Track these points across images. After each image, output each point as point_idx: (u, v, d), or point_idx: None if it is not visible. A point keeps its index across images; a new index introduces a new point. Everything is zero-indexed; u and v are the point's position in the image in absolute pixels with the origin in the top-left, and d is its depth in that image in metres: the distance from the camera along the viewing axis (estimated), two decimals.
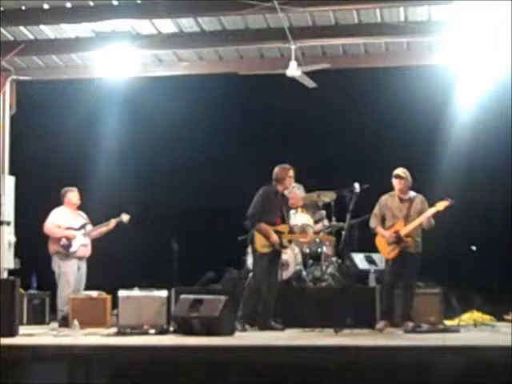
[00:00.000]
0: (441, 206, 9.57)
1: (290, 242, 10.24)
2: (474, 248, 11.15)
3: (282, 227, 9.93)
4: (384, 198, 9.94)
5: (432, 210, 9.62)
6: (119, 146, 12.97)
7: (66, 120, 12.62)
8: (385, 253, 9.90)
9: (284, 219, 9.99)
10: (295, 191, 11.11)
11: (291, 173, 10.03)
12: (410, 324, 9.44)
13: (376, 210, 9.95)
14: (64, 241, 10.81)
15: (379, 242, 9.89)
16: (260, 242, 9.84)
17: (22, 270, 11.45)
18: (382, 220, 9.90)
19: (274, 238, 9.79)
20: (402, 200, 9.86)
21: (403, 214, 9.77)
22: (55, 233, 10.85)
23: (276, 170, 10.07)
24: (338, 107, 12.26)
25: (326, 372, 7.12)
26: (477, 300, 10.62)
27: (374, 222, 9.92)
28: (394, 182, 9.85)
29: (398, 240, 9.66)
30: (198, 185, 12.39)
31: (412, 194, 9.89)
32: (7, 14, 10.15)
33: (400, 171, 9.86)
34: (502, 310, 10.38)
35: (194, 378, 7.23)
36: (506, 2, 9.41)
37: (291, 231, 10.04)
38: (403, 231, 9.66)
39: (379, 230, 9.84)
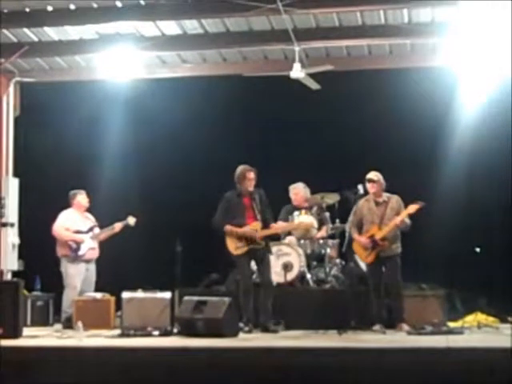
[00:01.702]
0: (412, 208, 9.68)
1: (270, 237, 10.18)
2: (477, 250, 11.15)
3: (253, 225, 9.86)
4: (360, 204, 9.98)
5: (404, 214, 9.73)
6: (123, 147, 12.95)
7: (70, 122, 12.61)
8: (362, 257, 10.01)
9: (256, 217, 9.89)
10: (300, 189, 11.12)
11: (251, 175, 9.86)
12: (405, 326, 9.48)
13: (352, 215, 9.99)
14: (73, 244, 10.82)
15: (356, 247, 9.97)
16: (232, 244, 9.81)
17: (25, 271, 11.47)
18: (360, 225, 9.96)
19: (244, 229, 9.73)
20: (377, 203, 9.93)
21: (379, 217, 9.85)
22: (64, 236, 10.84)
23: (237, 169, 9.99)
24: (341, 109, 12.24)
25: (329, 374, 7.12)
26: (481, 302, 10.60)
27: (350, 228, 9.98)
28: (368, 186, 9.92)
29: (374, 244, 9.75)
30: (202, 186, 12.36)
31: (386, 195, 9.98)
32: (11, 15, 10.18)
33: (373, 175, 9.93)
34: (506, 312, 10.37)
35: (197, 379, 7.24)
36: (508, 3, 9.42)
37: (265, 227, 9.93)
38: (378, 235, 9.74)
39: (355, 236, 9.91)
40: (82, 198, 11.09)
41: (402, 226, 9.80)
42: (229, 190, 10.01)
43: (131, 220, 11.06)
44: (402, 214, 9.75)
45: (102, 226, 11.15)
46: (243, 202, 9.92)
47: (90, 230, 11.02)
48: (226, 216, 9.85)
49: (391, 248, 9.79)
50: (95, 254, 11.04)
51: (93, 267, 11.00)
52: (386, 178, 9.98)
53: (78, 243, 10.82)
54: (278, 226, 10.39)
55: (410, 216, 9.76)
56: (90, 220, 11.15)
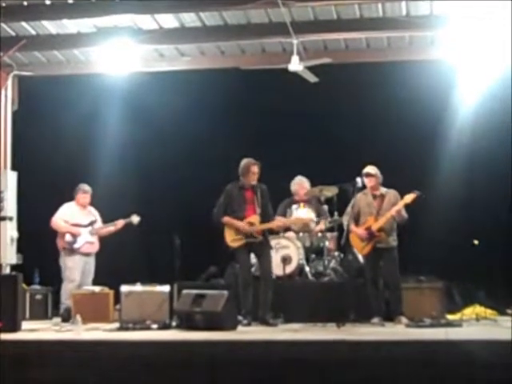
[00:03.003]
0: (408, 198, 9.72)
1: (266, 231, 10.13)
2: (476, 242, 11.14)
3: (252, 218, 9.86)
4: (358, 197, 10.01)
5: (401, 204, 9.77)
6: (121, 141, 12.93)
7: (68, 115, 12.60)
8: (359, 249, 10.08)
9: (256, 210, 9.88)
10: (304, 182, 11.14)
11: (255, 168, 9.84)
12: (404, 319, 9.51)
13: (349, 208, 10.04)
14: (69, 236, 10.85)
15: (353, 238, 10.01)
16: (229, 236, 9.81)
17: (24, 265, 11.47)
18: (358, 218, 10.00)
19: (240, 224, 9.73)
20: (374, 197, 10.01)
21: (376, 210, 9.91)
22: (61, 227, 10.88)
23: (241, 163, 9.97)
24: (339, 102, 12.23)
25: (328, 367, 7.13)
26: (479, 294, 10.61)
27: (347, 220, 10.01)
28: (365, 180, 9.98)
29: (370, 236, 9.80)
30: (200, 179, 12.36)
31: (384, 189, 10.04)
32: (9, 9, 10.15)
33: (370, 169, 9.99)
34: (505, 305, 10.38)
35: (196, 373, 7.24)
36: None
37: (265, 221, 9.94)
38: (375, 226, 9.78)
39: (352, 227, 9.94)
40: (82, 197, 11.14)
41: (399, 218, 9.82)
42: (228, 182, 10.00)
43: (135, 219, 11.06)
44: (398, 204, 9.77)
45: (103, 221, 11.18)
46: (245, 194, 9.92)
47: (90, 224, 11.05)
48: (226, 208, 9.85)
49: (387, 240, 9.81)
50: (94, 248, 11.06)
51: (91, 261, 11.03)
52: (384, 170, 10.02)
53: (75, 236, 10.86)
54: (279, 221, 10.38)
55: (408, 207, 9.77)
56: (92, 215, 11.18)
